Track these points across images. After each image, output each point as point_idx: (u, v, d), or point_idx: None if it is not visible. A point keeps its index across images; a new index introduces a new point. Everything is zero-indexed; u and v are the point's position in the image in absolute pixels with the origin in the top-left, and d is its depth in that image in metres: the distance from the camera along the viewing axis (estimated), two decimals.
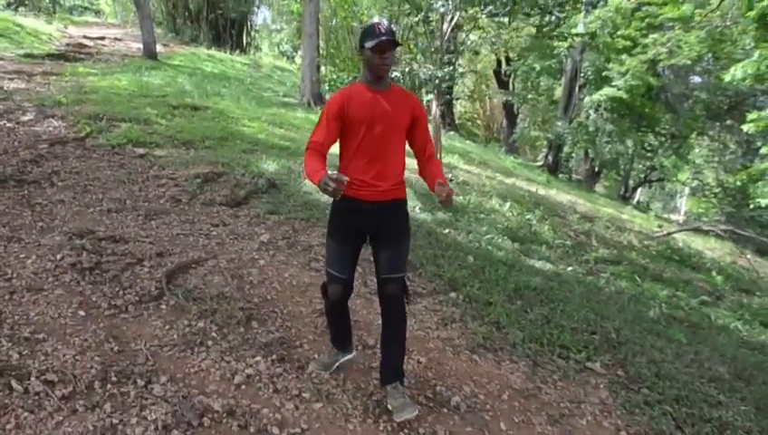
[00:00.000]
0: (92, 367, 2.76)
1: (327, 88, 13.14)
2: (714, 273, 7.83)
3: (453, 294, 4.59)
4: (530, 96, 19.46)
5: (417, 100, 2.86)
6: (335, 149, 2.78)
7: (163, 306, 3.53)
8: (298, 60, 23.69)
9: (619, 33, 14.51)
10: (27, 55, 11.85)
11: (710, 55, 15.79)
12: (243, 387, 2.87)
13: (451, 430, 2.86)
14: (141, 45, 14.26)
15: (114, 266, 3.87)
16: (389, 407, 2.78)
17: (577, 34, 14.70)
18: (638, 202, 24.95)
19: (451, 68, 8.62)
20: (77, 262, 3.77)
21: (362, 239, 2.83)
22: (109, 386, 2.66)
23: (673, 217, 24.82)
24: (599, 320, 4.64)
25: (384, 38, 2.54)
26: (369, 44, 2.56)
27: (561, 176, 18.15)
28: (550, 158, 18.57)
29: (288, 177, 6.68)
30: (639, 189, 26.25)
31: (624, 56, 15.04)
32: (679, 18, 12.22)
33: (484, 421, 3.00)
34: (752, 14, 10.27)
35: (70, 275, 3.63)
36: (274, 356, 3.18)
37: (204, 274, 4.06)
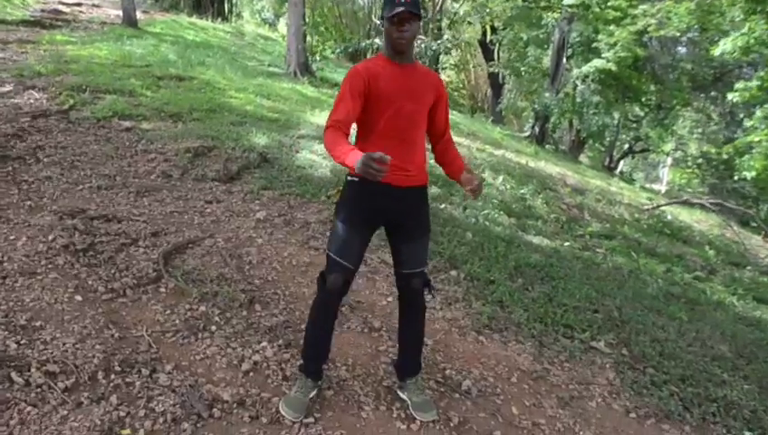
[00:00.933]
0: (94, 356, 2.65)
1: (318, 59, 12.79)
2: (707, 247, 7.86)
3: (454, 273, 4.53)
4: (523, 68, 19.19)
5: (439, 77, 2.72)
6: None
7: (162, 289, 3.41)
8: (281, 28, 23.18)
9: (609, 3, 14.29)
10: (0, 21, 11.39)
11: (696, 26, 15.68)
12: (251, 374, 2.79)
13: (464, 415, 2.81)
14: (120, 12, 13.78)
15: (108, 247, 3.73)
16: (408, 400, 2.74)
17: (569, 6, 14.44)
18: (621, 172, 25.05)
19: (445, 38, 8.46)
20: (70, 243, 3.63)
21: (377, 227, 2.63)
22: (113, 376, 2.56)
23: (655, 187, 25.02)
24: (600, 298, 4.63)
25: (401, 8, 2.32)
26: (386, 14, 2.34)
27: (547, 147, 18.07)
28: (536, 129, 18.44)
29: (279, 150, 6.52)
30: (623, 160, 26.34)
31: (613, 27, 14.87)
32: None
33: (495, 406, 2.96)
34: None
35: (63, 257, 3.49)
36: (281, 341, 3.09)
37: (201, 254, 3.94)
